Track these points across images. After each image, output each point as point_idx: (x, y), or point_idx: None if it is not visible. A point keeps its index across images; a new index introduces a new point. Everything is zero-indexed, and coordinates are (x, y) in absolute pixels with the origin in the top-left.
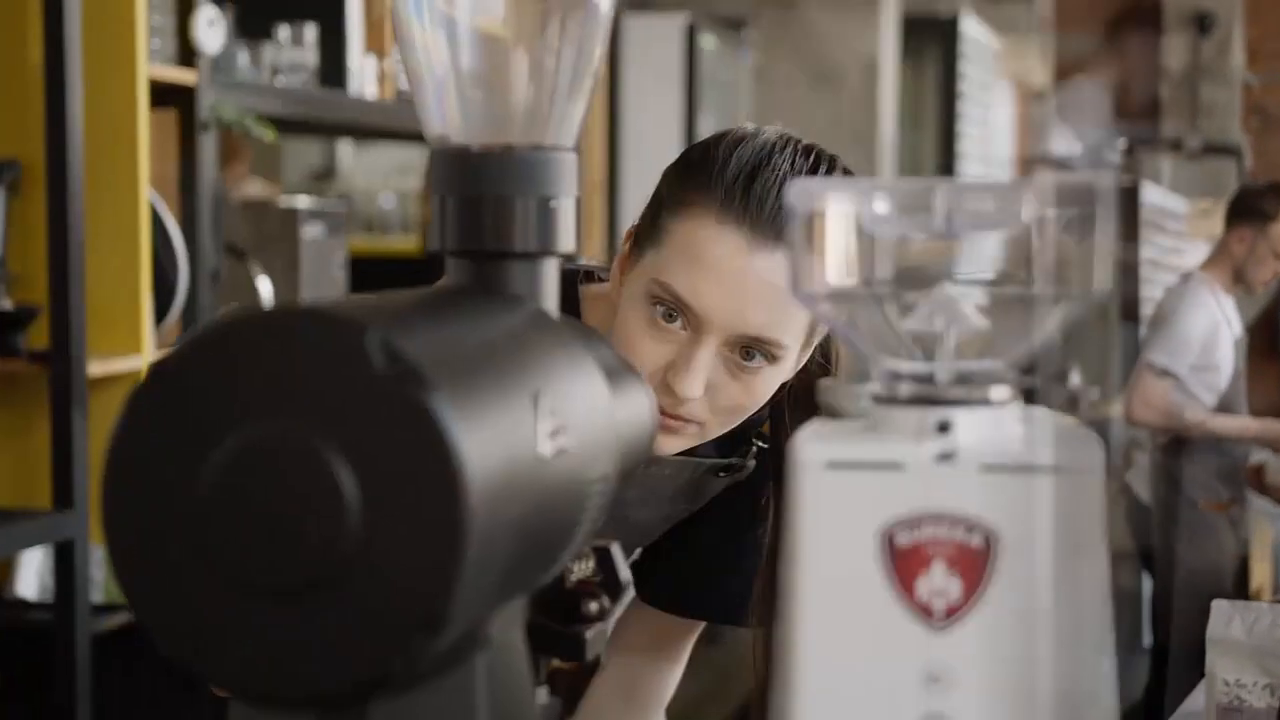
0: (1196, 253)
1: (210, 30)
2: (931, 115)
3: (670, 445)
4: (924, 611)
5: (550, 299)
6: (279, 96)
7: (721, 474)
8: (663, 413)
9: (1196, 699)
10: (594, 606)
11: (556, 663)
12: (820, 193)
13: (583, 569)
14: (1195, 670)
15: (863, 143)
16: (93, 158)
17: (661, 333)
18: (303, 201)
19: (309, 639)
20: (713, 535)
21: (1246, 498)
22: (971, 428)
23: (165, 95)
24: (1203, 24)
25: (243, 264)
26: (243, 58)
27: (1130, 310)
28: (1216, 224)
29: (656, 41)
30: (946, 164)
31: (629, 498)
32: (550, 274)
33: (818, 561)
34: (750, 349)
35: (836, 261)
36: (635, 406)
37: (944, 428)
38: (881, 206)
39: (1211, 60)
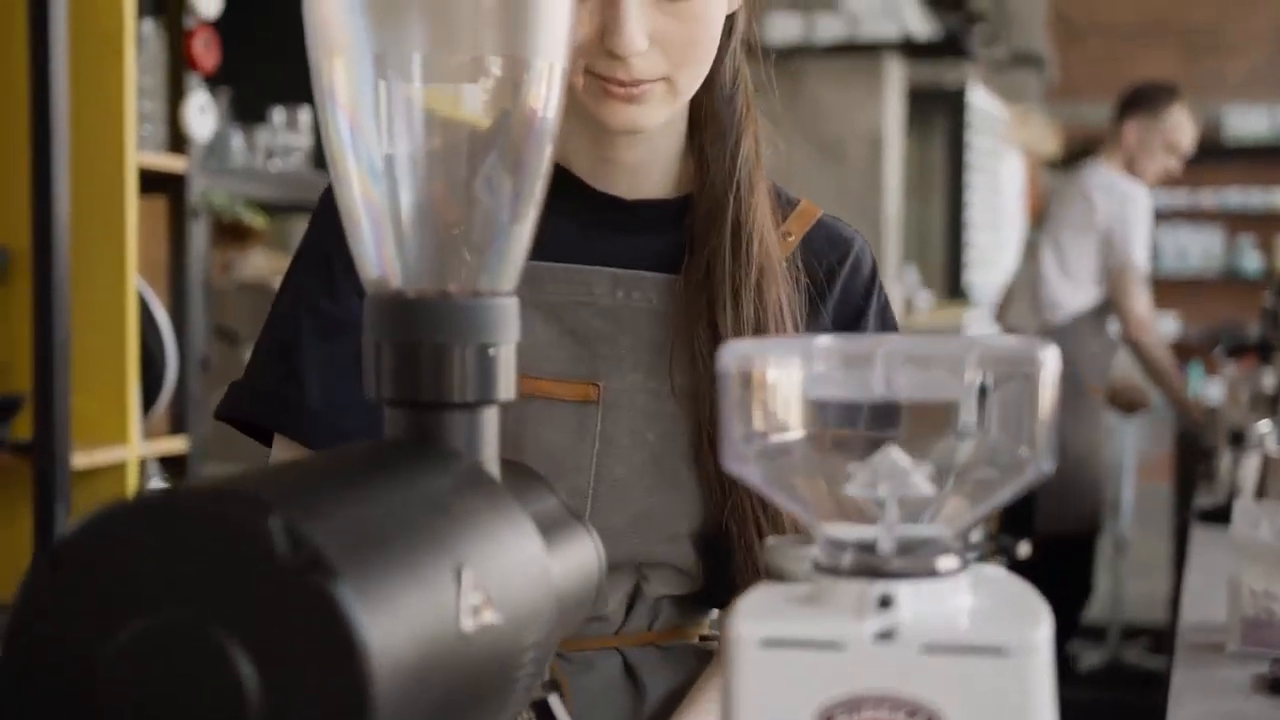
0: (1012, 158)
1: (201, 117)
2: (939, 184)
3: (647, 116)
4: None
5: (489, 449)
6: (272, 181)
7: None
8: (620, 83)
9: (1215, 611)
10: None
11: None
12: (755, 354)
13: None
14: (1066, 560)
15: (868, 215)
16: (80, 245)
17: (574, 2)
18: None
19: None
20: None
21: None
22: (915, 601)
23: (156, 181)
24: None
25: (235, 349)
26: (236, 140)
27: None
28: (1034, 130)
29: None
30: (954, 233)
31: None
32: (490, 424)
33: None
34: None
35: (772, 424)
36: (577, 559)
37: (886, 603)
38: (819, 368)
39: None
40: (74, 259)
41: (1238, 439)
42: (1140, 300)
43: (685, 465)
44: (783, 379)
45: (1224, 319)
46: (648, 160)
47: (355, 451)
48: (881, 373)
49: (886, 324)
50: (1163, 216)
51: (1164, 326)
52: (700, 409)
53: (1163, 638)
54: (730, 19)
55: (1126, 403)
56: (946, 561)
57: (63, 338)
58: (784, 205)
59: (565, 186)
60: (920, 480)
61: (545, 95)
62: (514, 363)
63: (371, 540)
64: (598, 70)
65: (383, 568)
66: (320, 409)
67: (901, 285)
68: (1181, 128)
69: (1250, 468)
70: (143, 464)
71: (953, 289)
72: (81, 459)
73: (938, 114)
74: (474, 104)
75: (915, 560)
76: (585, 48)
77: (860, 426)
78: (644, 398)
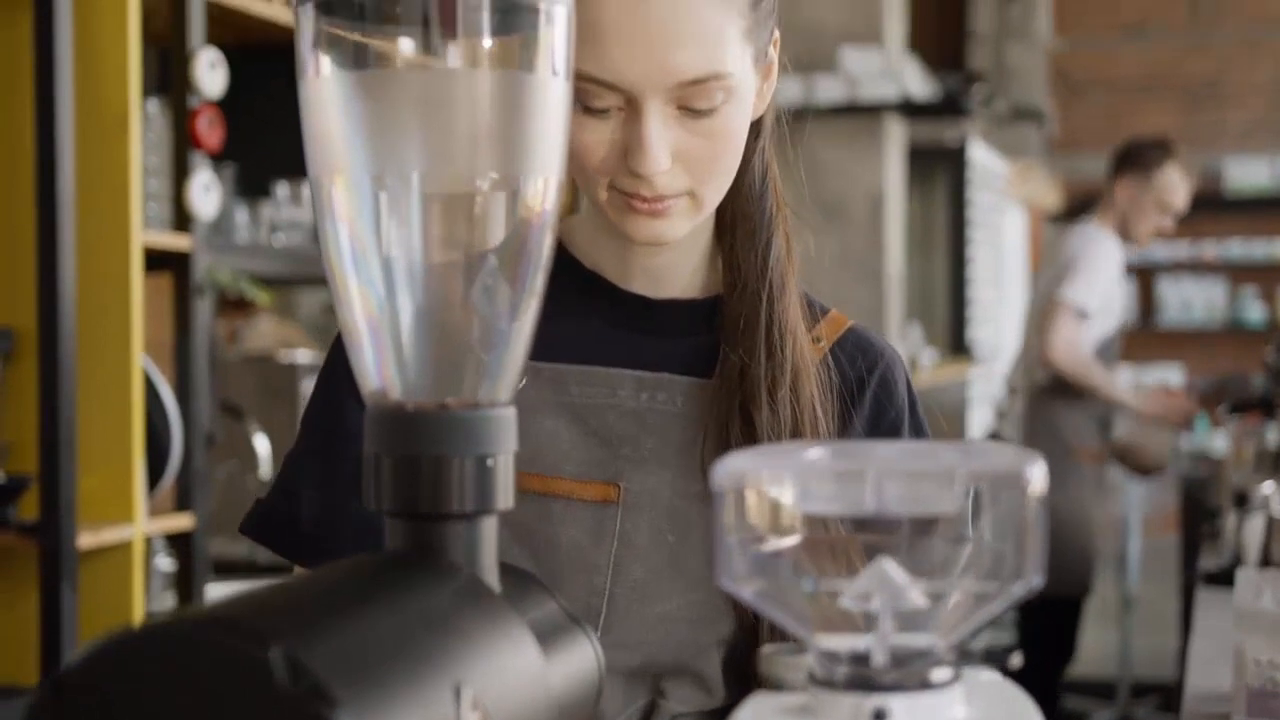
0: (1014, 213)
1: (205, 195)
2: (941, 241)
3: (671, 229)
4: None
5: (488, 559)
6: (276, 256)
7: None
8: (644, 199)
9: (1221, 678)
10: None
11: None
12: (748, 470)
13: None
14: (1051, 621)
15: (871, 273)
16: (86, 325)
17: (596, 121)
18: (303, 356)
19: None
20: None
21: (1109, 461)
22: (910, 715)
23: (161, 259)
24: None
25: (240, 423)
26: (241, 216)
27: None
28: (1036, 185)
29: None
30: (957, 289)
31: None
32: (489, 533)
33: None
34: (694, 94)
35: (765, 539)
36: (577, 665)
37: (880, 716)
38: (812, 483)
39: (1017, 23)
40: (80, 338)
41: (1241, 500)
42: (1060, 331)
43: (708, 569)
44: (776, 495)
45: (1228, 370)
46: (675, 262)
47: (355, 567)
48: (873, 487)
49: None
50: (1165, 268)
51: (1168, 378)
52: None
53: (1172, 695)
54: (757, 122)
55: (1136, 465)
56: (940, 673)
57: (69, 419)
58: (814, 312)
59: (594, 288)
60: (914, 592)
61: (541, 209)
62: (512, 472)
63: (370, 664)
64: (621, 186)
65: (382, 692)
66: (319, 535)
67: (905, 343)
68: (1173, 187)
69: (1255, 530)
70: (148, 542)
71: (956, 345)
72: (87, 538)
73: (939, 171)
74: (471, 219)
75: (909, 672)
76: (608, 163)
77: (854, 538)
78: (668, 499)
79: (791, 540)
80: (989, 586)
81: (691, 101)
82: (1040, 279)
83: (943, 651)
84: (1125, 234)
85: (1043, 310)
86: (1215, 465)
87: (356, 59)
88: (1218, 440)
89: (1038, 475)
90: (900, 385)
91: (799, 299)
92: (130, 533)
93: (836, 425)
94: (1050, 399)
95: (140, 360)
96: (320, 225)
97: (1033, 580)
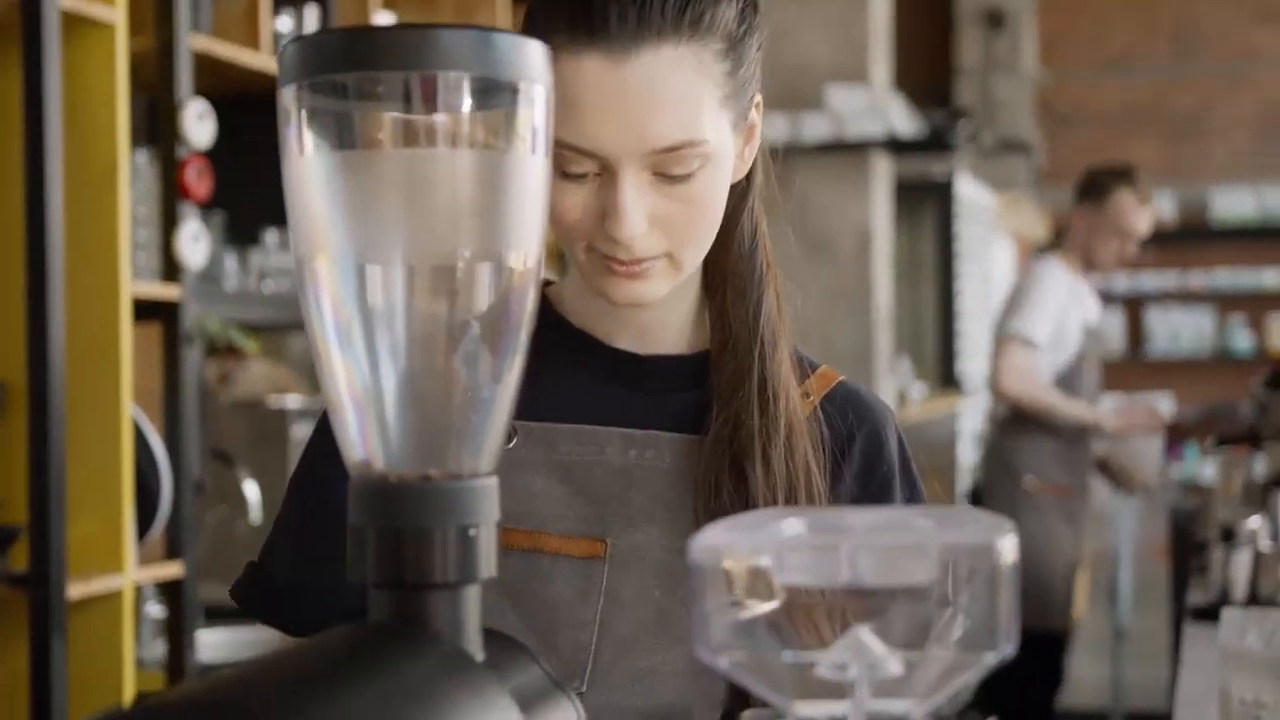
0: (1003, 245)
1: (194, 245)
2: (930, 274)
3: (650, 291)
4: None
5: (471, 626)
6: (266, 302)
7: None
8: (621, 263)
9: (1208, 716)
10: None
11: None
12: (724, 544)
13: None
14: (1033, 654)
15: (860, 308)
16: (75, 376)
17: (574, 186)
18: (293, 401)
19: None
20: None
21: (1087, 491)
22: None
23: (150, 309)
24: (994, 21)
25: (231, 470)
26: (230, 263)
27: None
28: (1023, 217)
29: None
30: (945, 322)
31: None
32: (472, 602)
33: None
34: (670, 161)
35: (742, 611)
36: None
37: None
38: (788, 559)
39: (1003, 57)
40: (69, 389)
41: (1228, 535)
42: (1008, 361)
43: None
44: (753, 567)
45: (1217, 399)
46: (662, 319)
47: (339, 639)
48: (848, 559)
49: (915, 498)
50: (1153, 298)
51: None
52: None
53: None
54: (746, 179)
55: (1123, 483)
56: None
57: (59, 469)
58: (804, 367)
59: (583, 346)
60: (890, 661)
61: (521, 282)
62: (495, 541)
63: None
64: (599, 248)
65: None
66: (302, 603)
67: (895, 378)
68: (1127, 212)
69: (1241, 565)
70: (138, 591)
71: (946, 378)
72: (77, 589)
73: (926, 205)
74: (453, 294)
75: None
76: (585, 227)
77: (830, 608)
78: (655, 555)
79: (768, 610)
80: (963, 655)
81: (667, 168)
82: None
83: (919, 718)
84: (1089, 264)
85: (994, 345)
86: (1205, 495)
87: (340, 139)
88: (1207, 470)
89: (1008, 547)
90: (891, 442)
91: (790, 355)
92: (120, 582)
93: (829, 483)
94: (1009, 433)
95: (130, 410)
96: (303, 300)
97: (1005, 649)
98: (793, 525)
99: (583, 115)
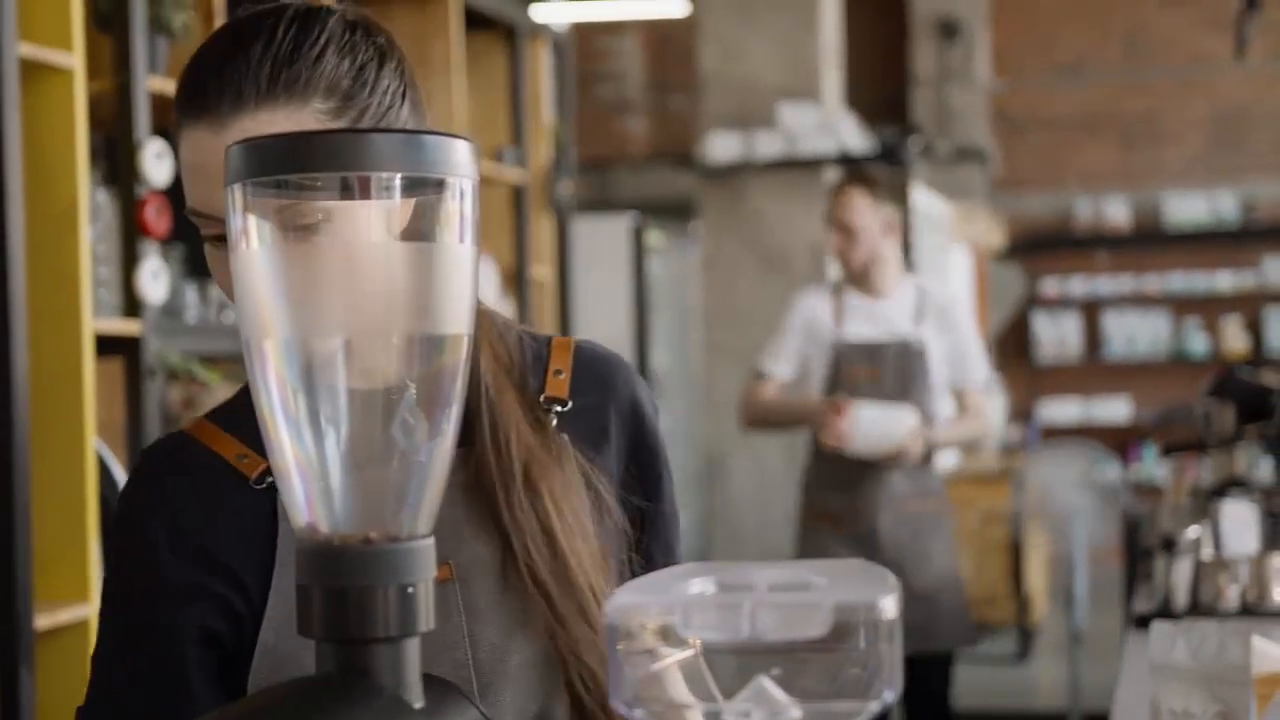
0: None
1: (154, 282)
2: None
3: None
4: None
5: (412, 676)
6: (226, 334)
7: None
8: None
9: None
10: None
11: None
12: (633, 607)
13: None
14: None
15: None
16: (39, 411)
17: (221, 253)
18: None
19: None
20: None
21: (871, 520)
22: None
23: (111, 345)
24: (947, 30)
25: None
26: (190, 295)
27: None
28: (979, 225)
29: (605, 240)
30: None
31: None
32: (412, 653)
33: None
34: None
35: (651, 665)
36: None
37: None
38: (694, 617)
39: (957, 66)
40: (33, 424)
41: (1169, 544)
42: (746, 393)
43: (543, 617)
44: (661, 625)
45: (1174, 401)
46: None
47: (288, 691)
48: (748, 616)
49: (658, 451)
50: (1110, 302)
51: (1116, 410)
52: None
53: None
54: None
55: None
56: None
57: (24, 502)
58: (538, 345)
59: None
60: (790, 708)
61: (454, 355)
62: (432, 595)
63: None
64: None
65: None
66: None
67: None
68: (832, 205)
69: (1183, 573)
70: None
71: None
72: (44, 619)
73: None
74: (389, 370)
75: None
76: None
77: (733, 661)
78: (488, 560)
79: (676, 663)
80: (854, 702)
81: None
82: None
83: None
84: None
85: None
86: (1156, 498)
87: (282, 233)
88: (1160, 471)
89: (889, 604)
90: (643, 396)
91: (517, 347)
92: (87, 611)
93: (595, 472)
94: (808, 470)
95: (93, 443)
96: (251, 378)
97: (887, 696)
98: (699, 585)
99: (195, 181)
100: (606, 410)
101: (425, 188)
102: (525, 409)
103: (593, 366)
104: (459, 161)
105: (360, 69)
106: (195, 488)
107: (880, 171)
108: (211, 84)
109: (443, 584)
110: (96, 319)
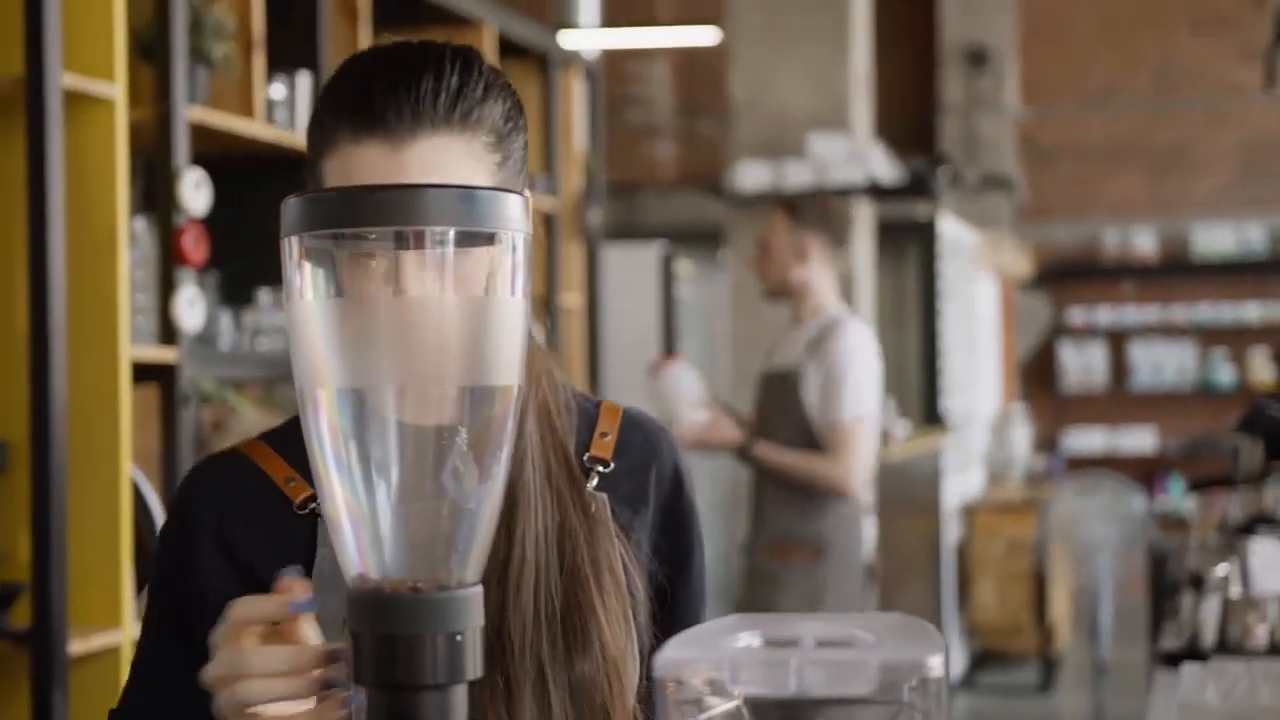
0: (986, 282)
1: (191, 309)
2: (913, 313)
3: None
4: None
5: None
6: (260, 361)
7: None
8: None
9: None
10: None
11: None
12: (685, 663)
13: None
14: None
15: None
16: (76, 437)
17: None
18: None
19: None
20: None
21: (826, 549)
22: None
23: (147, 371)
24: (976, 59)
25: None
26: (226, 322)
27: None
28: (1006, 253)
29: (635, 268)
30: (929, 359)
31: None
32: (459, 700)
33: None
34: None
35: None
36: None
37: None
38: (742, 672)
39: (986, 94)
40: (70, 450)
41: (1197, 582)
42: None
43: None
44: (710, 679)
45: (1200, 432)
46: None
47: None
48: (795, 673)
49: (690, 526)
50: (1136, 332)
51: (1141, 440)
52: None
53: None
54: None
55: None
56: None
57: (59, 528)
58: (588, 406)
59: None
60: None
61: (504, 405)
62: (480, 643)
63: None
64: None
65: None
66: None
67: (880, 416)
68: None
69: (1211, 611)
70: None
71: (929, 415)
72: (78, 645)
73: (909, 245)
74: (440, 421)
75: None
76: None
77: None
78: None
79: (724, 714)
80: None
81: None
82: None
83: None
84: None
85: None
86: (1183, 532)
87: (337, 285)
88: (1186, 503)
89: (937, 663)
90: (683, 467)
91: (567, 409)
92: (119, 638)
93: (634, 535)
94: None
95: (129, 470)
96: (305, 428)
97: None
98: (746, 639)
99: None
100: (648, 475)
101: (478, 241)
102: (563, 464)
103: (638, 432)
104: (511, 216)
105: (509, 114)
106: (242, 502)
107: (909, 200)
108: (385, 102)
109: None
110: (133, 346)
